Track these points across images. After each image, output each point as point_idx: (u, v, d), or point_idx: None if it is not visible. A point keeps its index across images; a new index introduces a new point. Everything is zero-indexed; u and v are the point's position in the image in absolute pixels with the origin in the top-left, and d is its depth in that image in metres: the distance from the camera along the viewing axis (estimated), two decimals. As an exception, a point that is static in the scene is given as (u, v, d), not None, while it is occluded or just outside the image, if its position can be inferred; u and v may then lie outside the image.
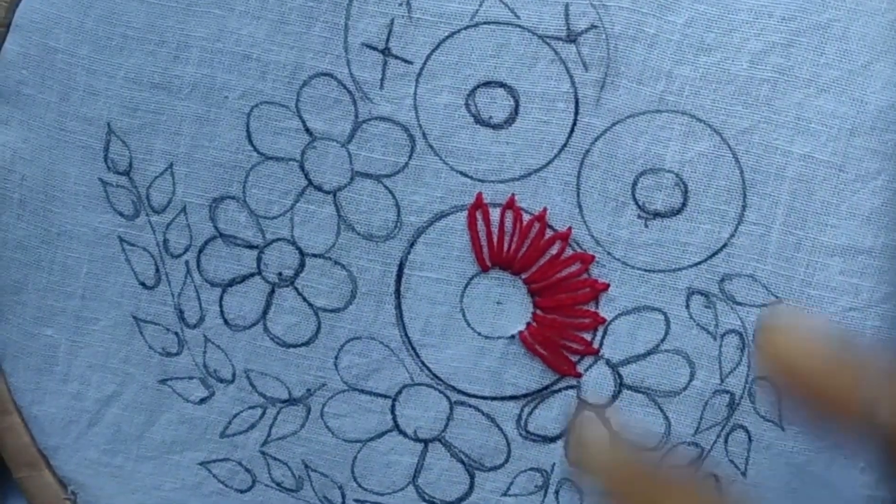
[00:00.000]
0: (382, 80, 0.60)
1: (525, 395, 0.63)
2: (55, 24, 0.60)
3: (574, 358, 0.62)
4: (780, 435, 0.62)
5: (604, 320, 0.62)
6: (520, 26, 0.60)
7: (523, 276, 0.62)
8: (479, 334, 0.62)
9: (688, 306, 0.61)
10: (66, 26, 0.60)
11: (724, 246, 0.61)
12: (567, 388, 0.63)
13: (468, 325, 0.62)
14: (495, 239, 0.61)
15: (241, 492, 0.64)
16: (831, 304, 0.61)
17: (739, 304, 0.61)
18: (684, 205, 0.61)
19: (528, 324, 0.62)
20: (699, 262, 0.61)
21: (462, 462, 0.64)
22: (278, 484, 0.64)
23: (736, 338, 0.61)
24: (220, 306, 0.63)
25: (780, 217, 0.60)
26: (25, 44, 0.61)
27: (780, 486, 0.62)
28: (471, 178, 0.61)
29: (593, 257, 0.61)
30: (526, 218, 0.61)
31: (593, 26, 0.60)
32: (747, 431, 0.62)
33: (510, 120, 0.61)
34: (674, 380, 0.62)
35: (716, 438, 0.62)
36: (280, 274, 0.62)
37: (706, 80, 0.60)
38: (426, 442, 0.63)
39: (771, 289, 0.61)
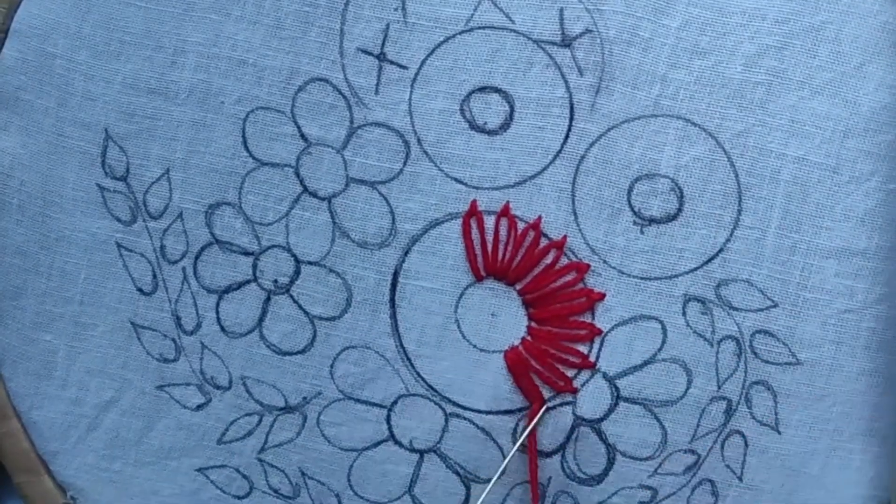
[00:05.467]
0: (378, 85, 0.61)
1: (520, 410, 0.62)
2: (53, 30, 0.61)
3: (570, 372, 0.62)
4: (775, 438, 0.61)
5: (600, 331, 0.61)
6: (514, 31, 0.60)
7: (517, 287, 0.62)
8: (475, 347, 0.62)
9: (684, 313, 0.61)
10: (65, 32, 0.61)
11: (720, 251, 0.60)
12: (563, 403, 0.62)
13: (463, 336, 0.62)
14: (490, 248, 0.61)
15: (239, 498, 0.64)
16: (827, 307, 0.60)
17: (736, 309, 0.61)
18: (680, 210, 0.60)
19: (523, 338, 0.62)
20: (695, 268, 0.61)
21: (458, 473, 0.63)
22: (275, 491, 0.64)
23: (733, 343, 0.61)
24: (217, 313, 0.63)
25: (776, 220, 0.60)
26: (24, 49, 0.61)
27: (776, 488, 0.62)
28: (465, 184, 0.61)
29: (588, 266, 0.61)
30: (521, 226, 0.61)
31: (588, 31, 0.60)
32: (744, 436, 0.61)
33: (505, 126, 0.61)
34: (671, 389, 0.61)
35: (712, 444, 0.62)
36: (276, 281, 0.62)
37: (701, 83, 0.60)
38: (422, 452, 0.63)
39: (767, 293, 0.60)
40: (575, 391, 0.62)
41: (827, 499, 0.62)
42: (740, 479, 0.62)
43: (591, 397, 0.62)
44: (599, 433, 0.62)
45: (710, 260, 0.61)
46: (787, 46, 0.59)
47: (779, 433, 0.61)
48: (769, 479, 0.62)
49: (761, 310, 0.60)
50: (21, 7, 0.61)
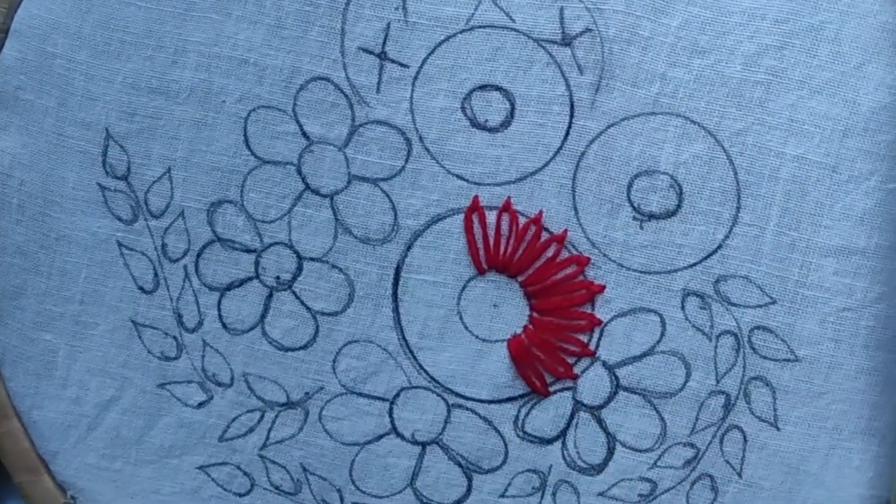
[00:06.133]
0: (379, 83, 0.61)
1: (522, 396, 0.63)
2: (53, 30, 0.61)
3: (570, 360, 0.63)
4: (775, 435, 0.62)
5: (600, 322, 0.62)
6: (515, 30, 0.60)
7: (519, 279, 0.62)
8: (477, 337, 0.63)
9: (683, 308, 0.62)
10: (65, 32, 0.61)
11: (719, 247, 0.61)
12: (563, 389, 0.63)
13: (465, 328, 0.63)
14: (492, 242, 0.62)
15: (240, 495, 0.65)
16: (825, 305, 0.61)
17: (734, 305, 0.61)
18: (679, 206, 0.61)
19: (525, 326, 0.62)
20: (694, 264, 0.61)
21: (460, 464, 0.64)
22: (277, 487, 0.64)
23: (731, 339, 0.62)
24: (219, 310, 0.63)
25: (775, 218, 0.61)
26: (24, 49, 0.61)
27: (776, 485, 0.63)
28: (467, 181, 0.61)
29: (589, 259, 0.62)
30: (522, 221, 0.62)
31: (588, 30, 0.60)
32: (742, 432, 0.62)
33: (506, 123, 0.61)
34: (670, 381, 0.62)
35: (711, 439, 0.63)
36: (278, 278, 0.62)
37: (700, 82, 0.60)
38: (424, 445, 0.64)
39: (765, 290, 0.61)
40: (575, 377, 0.63)
41: (827, 497, 0.63)
42: (740, 475, 0.63)
43: (591, 384, 0.63)
44: (599, 420, 0.63)
45: (708, 256, 0.61)
46: (786, 46, 0.60)
47: (778, 429, 0.62)
48: (769, 476, 0.63)
49: (760, 306, 0.61)
50: (21, 7, 0.61)
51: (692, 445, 0.63)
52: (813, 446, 0.62)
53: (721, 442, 0.63)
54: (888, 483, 0.63)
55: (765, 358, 0.62)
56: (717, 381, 0.62)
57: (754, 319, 0.61)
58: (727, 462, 0.63)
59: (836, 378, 0.62)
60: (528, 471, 0.64)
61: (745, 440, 0.62)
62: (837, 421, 0.62)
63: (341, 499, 0.64)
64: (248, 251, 0.62)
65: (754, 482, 0.63)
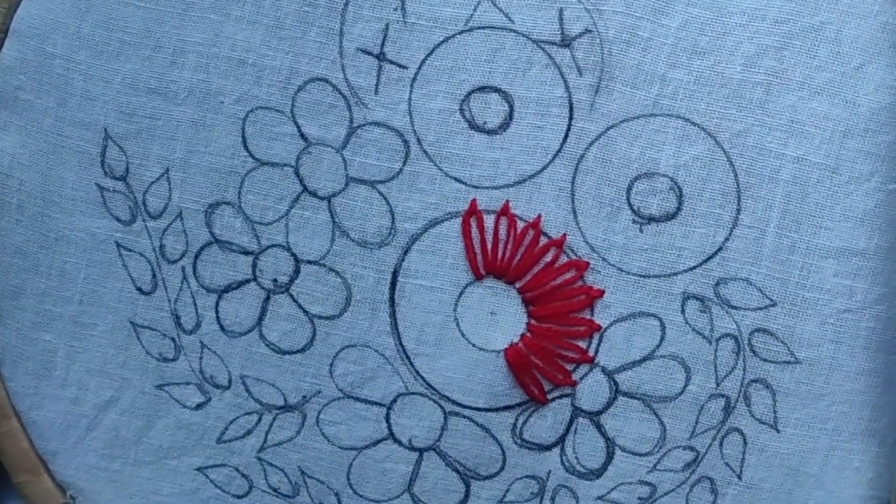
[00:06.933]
0: (377, 85, 0.61)
1: (520, 404, 0.63)
2: (53, 30, 0.61)
3: (569, 366, 0.62)
4: (775, 437, 0.62)
5: (599, 327, 0.62)
6: (514, 31, 0.60)
7: (517, 285, 0.62)
8: (474, 346, 0.62)
9: (683, 311, 0.61)
10: (64, 32, 0.61)
11: (719, 250, 0.61)
12: (562, 396, 0.62)
13: (462, 335, 0.62)
14: (489, 247, 0.62)
15: (238, 497, 0.64)
16: (826, 307, 0.61)
17: (735, 307, 0.61)
18: (679, 209, 0.61)
19: (523, 334, 0.62)
20: (694, 267, 0.61)
21: (457, 471, 0.63)
22: (275, 490, 0.64)
23: (731, 341, 0.61)
24: (217, 312, 0.63)
25: (775, 220, 0.60)
26: (23, 49, 0.61)
27: (776, 487, 0.62)
28: (465, 184, 0.61)
29: (588, 264, 0.61)
30: (520, 225, 0.61)
31: (587, 31, 0.60)
32: (742, 434, 0.62)
33: (504, 125, 0.61)
34: (669, 385, 0.62)
35: (711, 442, 0.62)
36: (275, 280, 0.62)
37: (700, 83, 0.60)
38: (421, 451, 0.63)
39: (766, 292, 0.61)
40: (574, 384, 0.62)
41: (826, 499, 0.62)
42: (739, 477, 0.62)
43: (590, 390, 0.62)
44: (598, 426, 0.62)
45: (709, 258, 0.61)
46: (786, 47, 0.59)
47: (778, 432, 0.62)
48: (768, 477, 0.62)
49: (760, 308, 0.61)
50: (21, 7, 0.61)
51: (692, 448, 0.62)
52: (813, 448, 0.62)
53: (721, 445, 0.62)
54: (888, 484, 0.62)
55: (765, 360, 0.61)
56: (717, 385, 0.62)
57: (754, 322, 0.61)
58: (727, 464, 0.62)
59: (836, 380, 0.61)
60: (527, 476, 0.63)
61: (745, 443, 0.62)
62: (837, 422, 0.61)
63: (339, 502, 0.64)
64: (246, 253, 0.62)
65: (754, 484, 0.62)
